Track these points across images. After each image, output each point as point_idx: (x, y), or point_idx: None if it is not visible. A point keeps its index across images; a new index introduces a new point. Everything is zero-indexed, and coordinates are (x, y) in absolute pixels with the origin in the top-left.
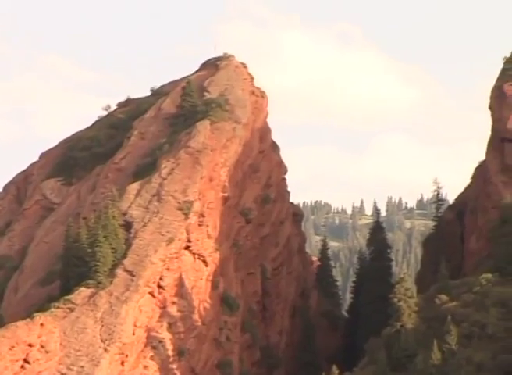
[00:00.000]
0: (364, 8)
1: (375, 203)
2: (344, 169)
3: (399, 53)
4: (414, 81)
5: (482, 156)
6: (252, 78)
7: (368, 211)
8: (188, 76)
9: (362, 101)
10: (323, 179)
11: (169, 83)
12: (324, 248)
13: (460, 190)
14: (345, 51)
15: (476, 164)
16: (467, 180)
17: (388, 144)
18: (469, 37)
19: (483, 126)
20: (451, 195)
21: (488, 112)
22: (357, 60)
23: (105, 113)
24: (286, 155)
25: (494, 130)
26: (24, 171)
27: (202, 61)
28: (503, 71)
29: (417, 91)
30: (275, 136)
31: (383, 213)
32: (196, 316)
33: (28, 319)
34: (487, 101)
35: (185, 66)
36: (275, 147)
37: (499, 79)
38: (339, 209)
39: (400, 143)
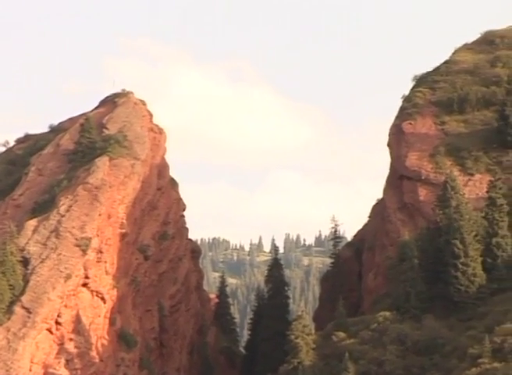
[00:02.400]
0: (255, 44)
1: (273, 240)
2: (241, 205)
3: (291, 91)
4: (307, 119)
5: (379, 194)
6: (151, 115)
7: (266, 248)
8: (87, 112)
9: (254, 138)
10: (220, 216)
11: (68, 120)
12: (222, 285)
13: (358, 227)
14: (236, 87)
15: (374, 202)
16: (364, 218)
17: (282, 182)
18: (360, 76)
19: (377, 164)
20: (349, 232)
21: (383, 150)
22: (248, 96)
23: (3, 149)
24: (184, 192)
25: (392, 167)
26: None
27: (96, 96)
28: (402, 109)
29: (310, 129)
30: (173, 173)
31: (281, 250)
32: (93, 353)
33: None
34: (379, 139)
35: (80, 101)
36: (173, 183)
37: (397, 117)
38: (237, 246)
39: (294, 180)
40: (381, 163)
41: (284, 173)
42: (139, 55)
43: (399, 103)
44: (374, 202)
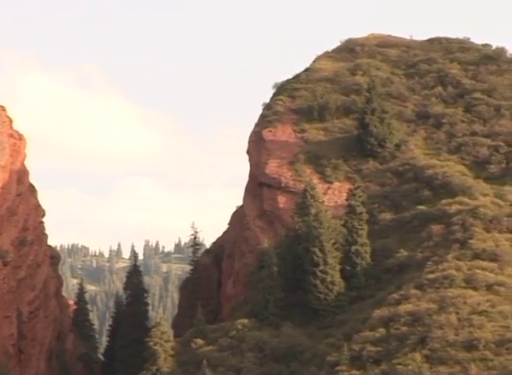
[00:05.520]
0: (104, 50)
1: (132, 246)
2: (97, 212)
3: (141, 98)
4: (158, 126)
5: (236, 201)
6: (11, 121)
7: (126, 254)
8: None
9: (104, 144)
10: (78, 222)
11: None
12: (81, 292)
13: (218, 234)
14: (86, 93)
15: (234, 209)
16: (224, 225)
17: (136, 189)
18: (217, 84)
19: (233, 171)
20: (209, 240)
21: (239, 158)
22: (98, 103)
23: None
24: (43, 198)
25: (252, 175)
26: None
27: None
28: (262, 117)
29: (162, 136)
30: (32, 179)
31: (141, 257)
32: None
33: None
34: (235, 147)
35: None
36: (32, 190)
37: (257, 124)
38: (97, 252)
39: (148, 187)
40: (237, 171)
41: (137, 180)
42: None
43: (259, 111)
44: (233, 209)
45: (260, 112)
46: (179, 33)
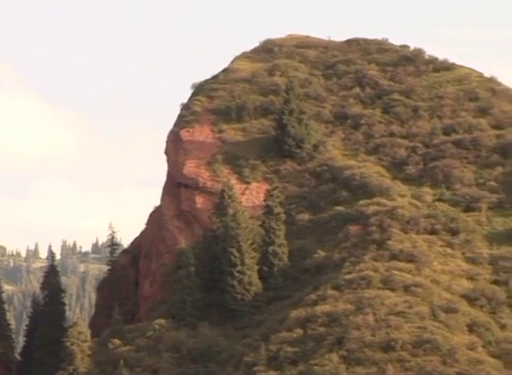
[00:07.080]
0: (17, 48)
1: (49, 246)
2: (11, 212)
3: (54, 97)
4: (71, 126)
5: (154, 201)
6: None
7: (43, 254)
8: None
9: (15, 144)
10: None
11: None
12: None
13: (136, 234)
14: None
15: (151, 209)
16: (142, 225)
17: (50, 189)
18: (132, 84)
19: (149, 171)
20: (127, 240)
21: (156, 158)
22: (11, 103)
23: None
24: None
25: (169, 175)
26: None
27: None
28: (180, 117)
29: (75, 137)
30: None
31: (58, 257)
32: None
33: None
34: (151, 147)
35: None
36: None
37: (175, 125)
38: (14, 252)
39: (62, 188)
40: (152, 171)
41: (52, 180)
42: None
43: (177, 111)
44: (151, 210)
45: (178, 112)
46: (93, 30)
